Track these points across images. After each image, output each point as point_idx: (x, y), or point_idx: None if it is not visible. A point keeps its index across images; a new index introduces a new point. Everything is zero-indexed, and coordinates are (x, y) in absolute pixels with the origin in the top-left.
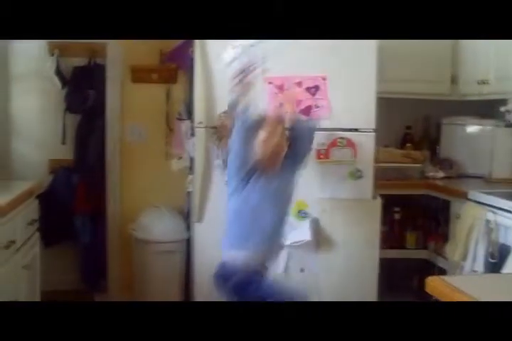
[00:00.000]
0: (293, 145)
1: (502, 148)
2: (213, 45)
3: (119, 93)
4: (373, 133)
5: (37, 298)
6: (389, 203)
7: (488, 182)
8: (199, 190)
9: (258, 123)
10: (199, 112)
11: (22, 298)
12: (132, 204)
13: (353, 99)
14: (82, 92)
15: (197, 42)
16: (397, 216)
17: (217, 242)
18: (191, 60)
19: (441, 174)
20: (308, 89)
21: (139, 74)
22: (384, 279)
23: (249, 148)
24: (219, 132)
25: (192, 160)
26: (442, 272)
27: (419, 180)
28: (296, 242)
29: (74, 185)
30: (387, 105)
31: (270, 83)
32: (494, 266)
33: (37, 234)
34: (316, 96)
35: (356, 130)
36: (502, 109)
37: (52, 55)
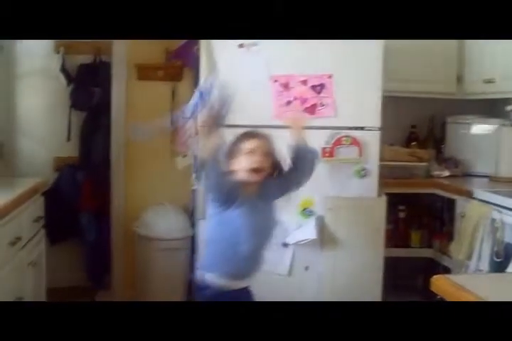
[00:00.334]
0: (289, 172)
1: (507, 147)
2: (219, 43)
3: (125, 91)
4: (379, 132)
5: (43, 295)
6: (394, 202)
7: (494, 181)
8: (203, 187)
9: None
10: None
11: (28, 295)
12: (137, 202)
13: (359, 97)
14: (88, 90)
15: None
16: (402, 214)
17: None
18: (197, 58)
19: (446, 173)
20: (313, 87)
21: (145, 72)
22: (388, 277)
23: (227, 170)
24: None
25: (196, 158)
26: (447, 271)
27: (425, 179)
28: (302, 241)
29: (79, 182)
30: (392, 104)
31: (275, 81)
32: (499, 265)
33: (42, 231)
34: (322, 94)
35: (362, 128)
36: (508, 108)
37: (58, 52)
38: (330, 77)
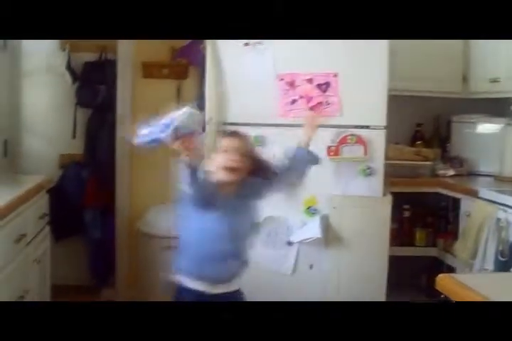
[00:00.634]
0: (281, 172)
1: None
2: (224, 42)
3: (130, 88)
4: (384, 131)
5: (47, 292)
6: (399, 200)
7: (499, 181)
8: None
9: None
10: (210, 108)
11: (32, 292)
12: (141, 200)
13: (364, 96)
14: (93, 87)
15: None
16: (406, 213)
17: None
18: (202, 56)
19: (451, 172)
20: (319, 85)
21: (150, 70)
22: (393, 276)
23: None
24: None
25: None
26: (451, 270)
27: (430, 178)
28: (306, 239)
29: (84, 179)
30: (398, 102)
31: (281, 80)
32: (504, 265)
33: (47, 228)
34: (327, 93)
35: (367, 127)
36: None
37: (64, 50)
38: (335, 75)
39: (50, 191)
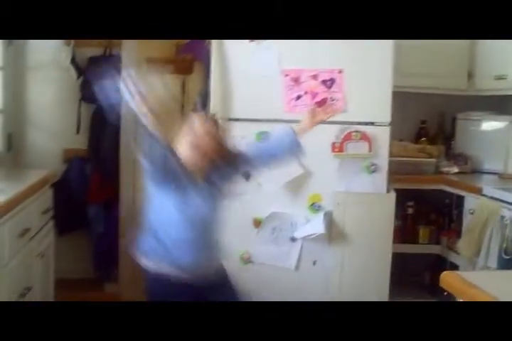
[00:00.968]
0: (250, 159)
1: None
2: None
3: None
4: (388, 127)
5: (51, 286)
6: (402, 197)
7: (503, 178)
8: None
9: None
10: (214, 104)
11: (36, 286)
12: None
13: (369, 92)
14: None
15: None
16: (410, 210)
17: (231, 233)
18: (207, 52)
19: (455, 169)
20: (324, 82)
21: (155, 65)
22: (396, 273)
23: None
24: None
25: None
26: (454, 267)
27: (434, 175)
28: (310, 235)
29: (88, 174)
30: (402, 99)
31: (286, 75)
32: (508, 263)
33: (51, 223)
34: (332, 89)
35: (372, 124)
36: None
37: (69, 45)
38: (340, 71)
39: (54, 185)
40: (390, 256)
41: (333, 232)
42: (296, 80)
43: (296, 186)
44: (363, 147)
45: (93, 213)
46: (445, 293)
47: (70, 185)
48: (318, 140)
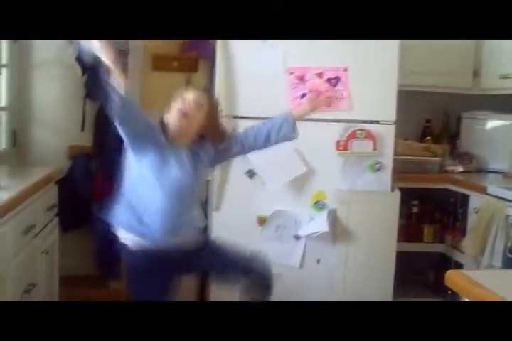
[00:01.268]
0: (243, 143)
1: None
2: None
3: (139, 81)
4: (393, 126)
5: (55, 283)
6: (407, 196)
7: (508, 177)
8: (218, 179)
9: None
10: (219, 101)
11: (41, 283)
12: None
13: (374, 91)
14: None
15: None
16: (415, 209)
17: (235, 231)
18: (213, 49)
19: (460, 168)
20: (329, 80)
21: (160, 63)
22: (400, 272)
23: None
24: None
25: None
26: (459, 266)
27: (438, 174)
28: (314, 233)
29: (93, 171)
30: (407, 98)
31: (291, 74)
32: None
33: (56, 220)
34: (337, 87)
35: (377, 122)
36: None
37: (73, 42)
38: (345, 70)
39: (58, 182)
40: (394, 254)
41: (337, 230)
42: (301, 78)
43: (300, 184)
44: (367, 145)
45: (97, 210)
46: (449, 292)
47: (74, 182)
48: (323, 138)
